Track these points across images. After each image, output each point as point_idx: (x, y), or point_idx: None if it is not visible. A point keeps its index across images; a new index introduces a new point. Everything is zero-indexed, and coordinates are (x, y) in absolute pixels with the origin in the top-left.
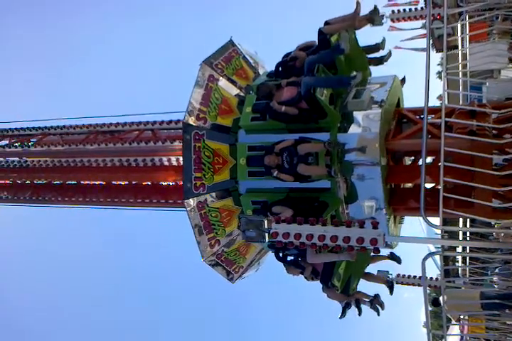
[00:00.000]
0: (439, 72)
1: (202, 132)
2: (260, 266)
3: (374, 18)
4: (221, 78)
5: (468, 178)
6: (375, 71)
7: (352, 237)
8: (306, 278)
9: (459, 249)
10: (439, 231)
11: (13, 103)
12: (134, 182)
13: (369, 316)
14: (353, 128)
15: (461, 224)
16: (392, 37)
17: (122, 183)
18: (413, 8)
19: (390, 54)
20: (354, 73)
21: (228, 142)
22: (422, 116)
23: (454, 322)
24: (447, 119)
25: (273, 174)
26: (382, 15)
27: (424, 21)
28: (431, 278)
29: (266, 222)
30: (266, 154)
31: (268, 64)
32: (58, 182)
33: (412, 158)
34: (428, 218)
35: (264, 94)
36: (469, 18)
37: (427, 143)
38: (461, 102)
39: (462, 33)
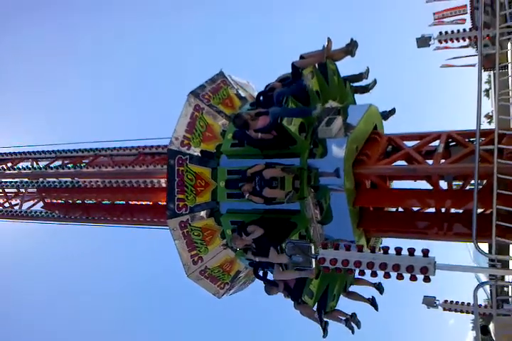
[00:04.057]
0: (487, 90)
1: (185, 157)
2: (250, 282)
3: (351, 50)
4: (206, 107)
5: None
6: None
7: (402, 265)
8: (284, 295)
9: (509, 278)
10: (486, 258)
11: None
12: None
13: None
14: (330, 154)
15: (511, 253)
16: (439, 56)
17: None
18: (461, 28)
19: (374, 82)
20: (316, 105)
21: (210, 166)
22: (471, 140)
23: None
24: (500, 146)
25: (245, 196)
26: (429, 37)
27: (470, 41)
28: (480, 305)
29: (312, 247)
30: (242, 179)
31: None
32: (107, 202)
33: (461, 182)
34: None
35: (239, 125)
36: None
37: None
38: (511, 126)
39: None
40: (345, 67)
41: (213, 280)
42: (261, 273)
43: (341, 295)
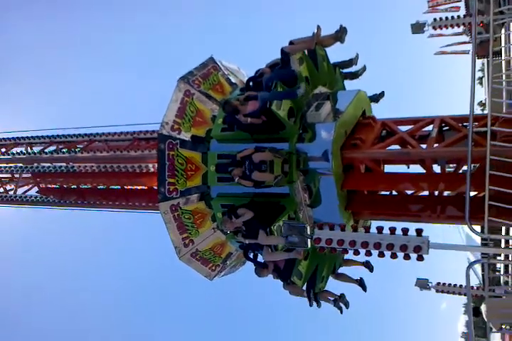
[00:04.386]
0: (480, 78)
1: (176, 141)
2: (241, 265)
3: (340, 36)
4: (197, 93)
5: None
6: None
7: (395, 244)
8: (273, 276)
9: (501, 258)
10: (478, 240)
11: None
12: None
13: (407, 328)
14: (319, 138)
15: (503, 232)
16: (434, 43)
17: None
18: (455, 15)
19: (364, 68)
20: (300, 85)
21: (201, 150)
22: (465, 124)
23: (494, 330)
24: (493, 128)
25: (235, 180)
26: (424, 23)
27: (464, 28)
28: (472, 287)
29: (308, 227)
30: (232, 163)
31: None
32: (103, 186)
33: (454, 165)
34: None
35: (229, 111)
36: None
37: (466, 151)
38: (504, 110)
39: (505, 43)
40: (340, 53)
41: (205, 262)
42: (251, 255)
43: (330, 277)
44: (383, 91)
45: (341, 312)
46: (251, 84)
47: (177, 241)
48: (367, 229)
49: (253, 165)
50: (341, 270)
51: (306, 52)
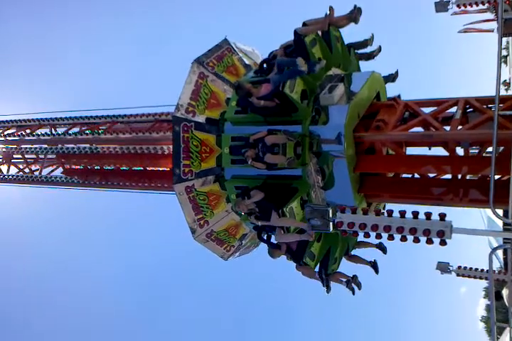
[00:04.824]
0: (505, 57)
1: (190, 124)
2: (255, 246)
3: (354, 17)
4: (211, 75)
5: None
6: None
7: (418, 229)
8: (287, 257)
9: None
10: (500, 224)
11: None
12: None
13: (427, 311)
14: (332, 121)
15: None
16: (457, 21)
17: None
18: None
19: (379, 49)
20: (299, 59)
21: (215, 133)
22: (489, 106)
23: None
24: None
25: (248, 162)
26: (448, 1)
27: (489, 6)
28: (493, 271)
29: (331, 211)
30: (245, 146)
31: None
32: (126, 168)
33: (478, 147)
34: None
35: (242, 95)
36: None
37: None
38: None
39: None
40: (364, 33)
41: (220, 242)
42: (265, 236)
43: (343, 259)
44: (397, 70)
45: (353, 294)
46: (264, 66)
47: (192, 222)
48: (378, 212)
49: (266, 147)
50: (355, 252)
51: (319, 33)
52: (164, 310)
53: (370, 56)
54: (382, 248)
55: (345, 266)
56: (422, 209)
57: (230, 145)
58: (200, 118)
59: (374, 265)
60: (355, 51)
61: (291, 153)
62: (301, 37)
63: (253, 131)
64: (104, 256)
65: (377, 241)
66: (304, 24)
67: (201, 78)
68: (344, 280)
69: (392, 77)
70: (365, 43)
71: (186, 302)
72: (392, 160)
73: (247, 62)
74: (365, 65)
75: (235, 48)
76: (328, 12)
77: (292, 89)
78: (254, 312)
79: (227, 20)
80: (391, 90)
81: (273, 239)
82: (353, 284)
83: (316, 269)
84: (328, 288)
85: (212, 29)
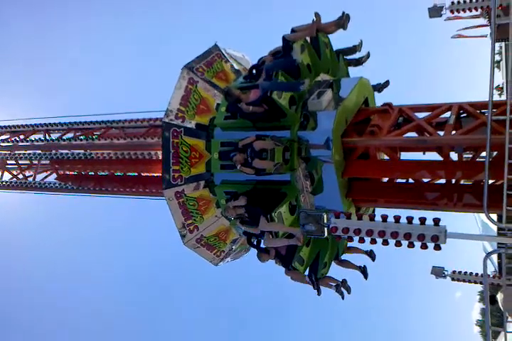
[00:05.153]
0: (498, 62)
1: (180, 129)
2: (246, 251)
3: (343, 23)
4: (200, 81)
5: None
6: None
7: (413, 234)
8: (275, 262)
9: None
10: (495, 229)
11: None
12: None
13: (422, 316)
14: (320, 126)
15: None
16: (450, 27)
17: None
18: None
19: (368, 55)
20: (304, 80)
21: (204, 138)
22: (483, 111)
23: (510, 319)
24: None
25: (237, 167)
26: (442, 7)
27: (482, 11)
28: (488, 275)
29: (325, 216)
30: (234, 151)
31: None
32: (120, 173)
33: (472, 153)
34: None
35: (231, 101)
36: None
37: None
38: None
39: None
40: (362, 37)
41: (210, 248)
42: (255, 241)
43: (333, 263)
44: (388, 81)
45: (343, 298)
46: (254, 72)
47: (182, 227)
48: (372, 218)
49: (254, 153)
50: (344, 257)
51: (308, 39)
52: (164, 310)
53: (358, 62)
54: (371, 255)
55: (339, 271)
56: (417, 214)
57: (219, 150)
58: (190, 124)
59: (363, 270)
60: (344, 57)
61: (280, 159)
62: (289, 43)
63: (242, 136)
64: (99, 261)
65: (370, 247)
66: (293, 30)
67: (191, 84)
68: (334, 284)
69: (379, 87)
70: (354, 49)
71: (186, 303)
72: (386, 165)
73: (236, 67)
74: (357, 71)
75: (225, 54)
76: (314, 18)
77: (280, 95)
78: (254, 312)
79: (218, 26)
80: (385, 95)
81: (262, 244)
82: (342, 288)
83: (306, 273)
84: (319, 292)
85: (209, 33)
